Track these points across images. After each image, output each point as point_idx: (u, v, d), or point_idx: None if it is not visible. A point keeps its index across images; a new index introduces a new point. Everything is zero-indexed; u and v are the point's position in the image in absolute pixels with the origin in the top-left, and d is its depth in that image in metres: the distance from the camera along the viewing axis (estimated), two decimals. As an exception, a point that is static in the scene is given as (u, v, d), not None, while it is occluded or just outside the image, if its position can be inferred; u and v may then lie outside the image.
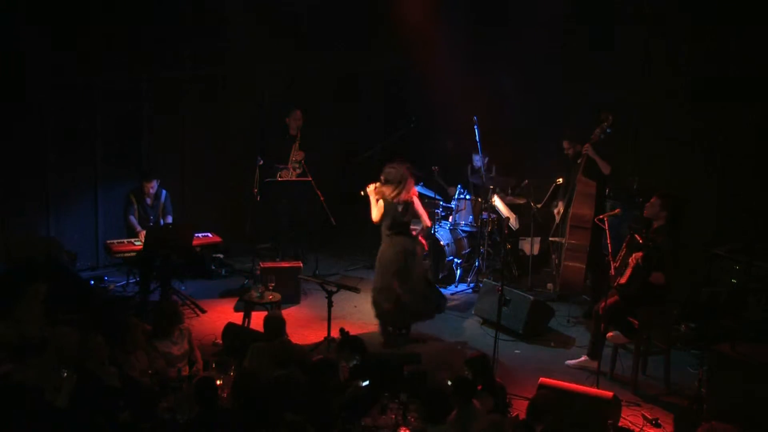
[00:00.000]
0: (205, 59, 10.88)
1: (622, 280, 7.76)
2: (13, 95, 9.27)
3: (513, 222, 10.24)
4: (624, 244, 8.00)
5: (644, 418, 7.06)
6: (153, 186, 9.52)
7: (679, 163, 9.87)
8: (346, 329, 7.17)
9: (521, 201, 10.65)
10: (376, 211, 8.55)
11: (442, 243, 10.29)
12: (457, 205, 10.58)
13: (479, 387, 6.16)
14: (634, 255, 7.68)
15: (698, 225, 9.33)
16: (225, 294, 9.88)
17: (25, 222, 9.76)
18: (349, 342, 6.85)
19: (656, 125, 10.18)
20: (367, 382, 6.40)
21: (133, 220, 9.48)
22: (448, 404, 5.83)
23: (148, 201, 9.58)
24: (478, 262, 10.45)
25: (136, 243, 9.20)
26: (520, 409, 6.79)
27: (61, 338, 6.58)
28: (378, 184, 8.55)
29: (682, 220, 7.98)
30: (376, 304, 8.51)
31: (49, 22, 9.35)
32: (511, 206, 10.43)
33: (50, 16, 9.34)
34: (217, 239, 9.77)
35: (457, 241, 10.57)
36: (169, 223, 9.63)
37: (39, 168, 9.84)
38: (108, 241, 9.35)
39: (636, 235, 7.81)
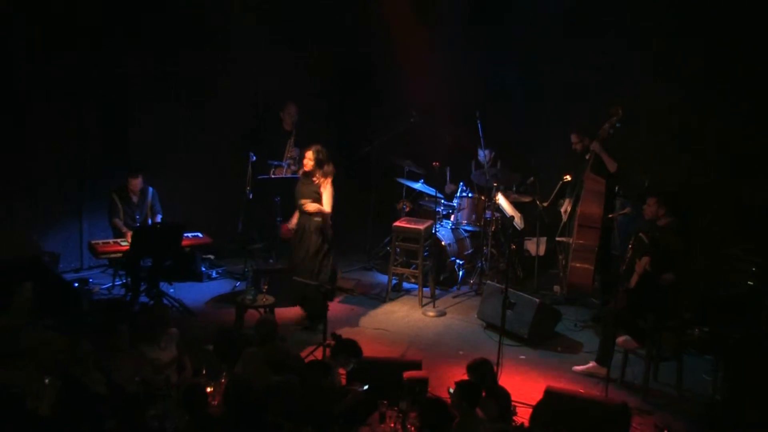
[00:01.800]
0: (197, 53, 10.88)
1: (631, 285, 7.77)
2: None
3: (518, 221, 10.24)
4: (630, 245, 8.01)
5: (656, 427, 7.07)
6: (138, 183, 9.53)
7: (692, 160, 9.87)
8: (339, 333, 7.17)
9: (526, 199, 10.64)
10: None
11: (443, 243, 10.31)
12: (459, 204, 10.59)
13: (482, 394, 6.17)
14: (641, 260, 7.69)
15: (713, 224, 9.34)
16: (216, 297, 9.89)
17: (9, 220, 9.74)
18: (343, 346, 6.86)
19: (668, 120, 10.17)
20: (366, 387, 6.42)
21: (119, 222, 9.48)
22: (449, 413, 5.84)
23: (134, 199, 9.58)
24: (481, 263, 10.46)
25: (123, 243, 9.20)
26: (524, 417, 6.80)
27: (45, 343, 6.58)
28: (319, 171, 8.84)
29: (690, 217, 8.00)
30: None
31: (38, 12, 9.35)
32: (515, 204, 10.44)
33: (40, 6, 9.36)
34: (208, 239, 9.77)
35: (459, 241, 10.58)
36: (157, 223, 9.63)
37: (23, 164, 9.82)
38: (93, 241, 9.34)
39: (641, 234, 7.82)
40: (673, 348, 7.84)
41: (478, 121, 10.21)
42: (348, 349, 6.83)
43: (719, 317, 8.30)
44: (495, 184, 10.34)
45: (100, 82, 10.23)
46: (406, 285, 10.41)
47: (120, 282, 9.66)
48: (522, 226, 10.34)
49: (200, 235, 9.72)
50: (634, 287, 7.75)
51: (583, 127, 9.52)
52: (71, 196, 10.31)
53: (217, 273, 10.57)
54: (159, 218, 9.73)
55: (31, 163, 9.88)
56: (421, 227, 9.86)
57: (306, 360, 7.63)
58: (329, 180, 8.84)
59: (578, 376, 8.06)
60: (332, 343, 6.93)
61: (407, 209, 10.83)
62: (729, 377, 7.01)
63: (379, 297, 10.09)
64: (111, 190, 9.60)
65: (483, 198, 10.49)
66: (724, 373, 7.11)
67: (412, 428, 6.11)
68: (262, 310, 8.56)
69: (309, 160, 8.82)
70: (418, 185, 10.77)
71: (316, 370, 6.32)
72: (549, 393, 6.80)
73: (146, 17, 10.19)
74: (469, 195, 10.61)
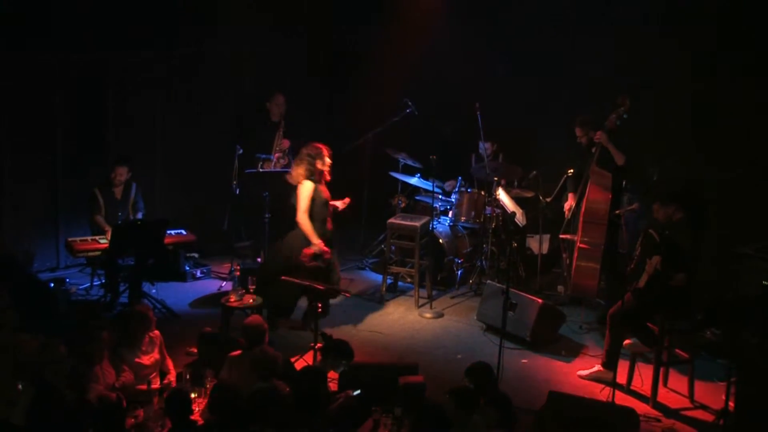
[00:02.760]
0: (180, 39, 10.83)
1: (640, 285, 7.75)
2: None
3: (519, 217, 10.22)
4: (638, 243, 7.99)
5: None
6: (124, 172, 9.48)
7: (703, 153, 9.86)
8: (329, 334, 7.15)
9: (529, 194, 10.63)
10: None
11: (441, 240, 10.28)
12: (458, 199, 10.56)
13: (481, 400, 6.15)
14: (651, 261, 7.66)
15: (725, 221, 9.33)
16: (200, 298, 9.86)
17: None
18: (333, 347, 6.84)
19: (678, 111, 10.16)
20: (358, 392, 6.39)
21: (100, 218, 9.43)
22: (447, 420, 5.81)
23: (117, 195, 9.53)
24: (481, 261, 10.44)
25: (101, 241, 9.15)
26: (527, 423, 6.78)
27: (20, 346, 6.53)
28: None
29: (703, 213, 7.97)
30: None
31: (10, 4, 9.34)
32: (517, 200, 10.42)
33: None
34: (192, 237, 9.74)
35: (457, 238, 10.56)
36: (139, 219, 9.59)
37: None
38: (70, 239, 9.30)
39: (651, 231, 7.79)
40: (684, 351, 7.83)
41: (478, 113, 10.18)
42: (338, 349, 6.81)
43: (732, 319, 8.29)
44: (496, 179, 10.31)
45: (75, 76, 10.18)
46: (401, 285, 10.38)
47: (99, 282, 9.61)
48: (524, 222, 10.32)
49: (184, 232, 9.68)
50: (642, 288, 7.73)
51: (587, 119, 9.49)
52: (47, 193, 10.26)
53: (201, 272, 10.53)
54: (140, 216, 9.68)
55: (4, 159, 9.82)
56: (417, 224, 9.83)
57: (295, 364, 7.61)
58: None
59: (583, 380, 8.05)
60: (321, 344, 6.92)
61: (402, 205, 10.81)
62: (743, 383, 6.98)
63: (373, 298, 10.06)
64: (94, 185, 9.55)
65: (483, 193, 10.46)
66: (738, 378, 7.08)
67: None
68: (249, 311, 8.53)
69: (329, 158, 8.72)
70: (413, 180, 10.73)
71: (312, 378, 6.28)
72: (552, 398, 6.78)
73: (124, 7, 10.13)
74: (468, 190, 10.58)
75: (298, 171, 8.66)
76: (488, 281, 9.61)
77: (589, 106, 10.05)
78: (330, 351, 6.82)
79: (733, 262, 8.97)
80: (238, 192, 10.14)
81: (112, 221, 9.42)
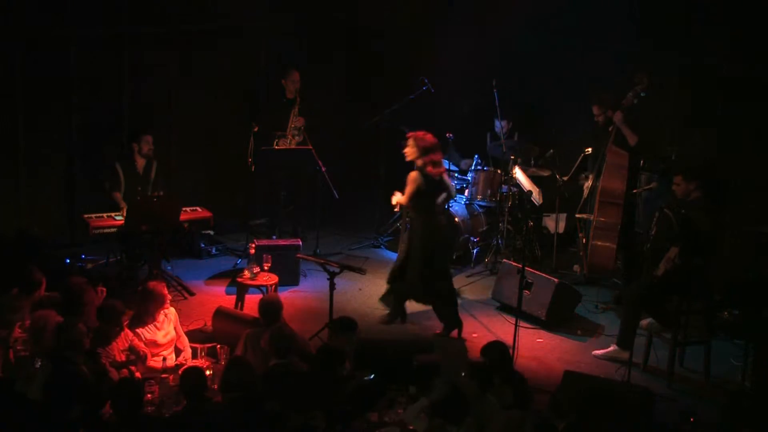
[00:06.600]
0: (195, 12, 10.82)
1: (658, 273, 7.72)
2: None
3: (536, 196, 10.19)
4: (654, 222, 7.96)
5: (681, 414, 7.04)
6: (150, 141, 9.45)
7: (723, 131, 9.79)
8: (343, 316, 7.19)
9: (546, 173, 10.60)
10: None
11: (456, 219, 10.26)
12: (474, 178, 10.54)
13: (496, 379, 6.15)
14: (668, 253, 7.62)
15: (745, 201, 9.28)
16: (215, 275, 9.90)
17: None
18: (339, 326, 6.86)
19: (697, 87, 10.09)
20: (372, 376, 6.39)
21: (118, 195, 9.42)
22: (463, 399, 5.81)
23: (138, 169, 9.52)
24: (497, 240, 10.43)
25: (117, 218, 9.16)
26: (542, 403, 6.79)
27: (40, 321, 6.56)
28: None
29: (721, 193, 7.92)
30: None
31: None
32: (533, 179, 10.38)
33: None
34: (207, 214, 9.74)
35: (473, 217, 10.54)
36: (154, 195, 9.59)
37: (8, 132, 9.82)
38: (85, 215, 9.30)
39: (666, 210, 7.75)
40: (701, 332, 7.81)
41: (495, 90, 10.13)
42: (345, 326, 6.84)
43: (751, 299, 8.25)
44: (512, 157, 10.28)
45: (90, 51, 10.18)
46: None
47: (114, 258, 9.64)
48: (540, 201, 10.29)
49: (199, 209, 9.69)
50: (660, 276, 7.70)
51: (604, 98, 9.43)
52: (62, 169, 10.29)
53: (216, 250, 10.55)
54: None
55: (19, 130, 9.87)
56: (433, 202, 9.81)
57: (308, 340, 7.63)
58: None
59: (599, 360, 8.05)
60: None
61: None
62: (760, 363, 6.97)
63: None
64: (110, 161, 9.56)
65: (499, 171, 10.43)
66: (755, 358, 7.07)
67: (423, 415, 6.08)
68: (266, 289, 8.56)
69: None
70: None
71: (328, 357, 6.28)
72: (567, 378, 6.78)
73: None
74: (485, 168, 10.55)
75: None
76: (504, 260, 9.59)
77: (608, 84, 10.00)
78: (335, 328, 6.85)
79: (755, 242, 8.93)
80: (253, 169, 10.14)
81: (133, 196, 9.38)
